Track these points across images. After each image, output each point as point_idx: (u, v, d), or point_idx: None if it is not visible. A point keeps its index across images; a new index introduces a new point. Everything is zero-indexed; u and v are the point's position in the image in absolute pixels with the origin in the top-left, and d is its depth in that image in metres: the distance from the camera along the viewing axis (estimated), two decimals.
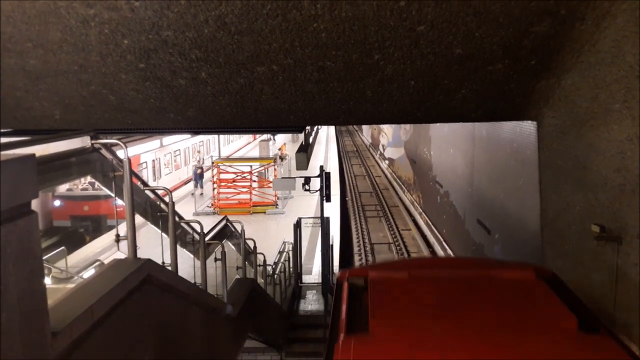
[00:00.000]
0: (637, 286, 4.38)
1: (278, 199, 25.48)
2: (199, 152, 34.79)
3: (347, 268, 5.53)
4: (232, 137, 41.59)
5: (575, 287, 5.44)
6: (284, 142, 38.64)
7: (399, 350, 3.28)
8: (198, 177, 28.27)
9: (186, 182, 30.24)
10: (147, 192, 6.35)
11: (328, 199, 15.44)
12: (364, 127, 59.10)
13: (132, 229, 4.09)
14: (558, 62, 5.00)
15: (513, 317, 3.69)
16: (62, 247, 11.98)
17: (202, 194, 27.60)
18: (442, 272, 4.71)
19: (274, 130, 15.34)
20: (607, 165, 4.68)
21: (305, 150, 13.47)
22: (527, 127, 7.22)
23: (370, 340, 3.36)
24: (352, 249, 22.76)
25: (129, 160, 4.20)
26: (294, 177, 17.28)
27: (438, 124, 15.76)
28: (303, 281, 15.79)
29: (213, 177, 25.84)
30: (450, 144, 14.68)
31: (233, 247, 9.89)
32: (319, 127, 39.40)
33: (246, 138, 47.45)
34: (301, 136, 19.56)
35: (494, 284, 4.33)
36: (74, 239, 19.44)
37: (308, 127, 16.89)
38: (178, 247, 5.76)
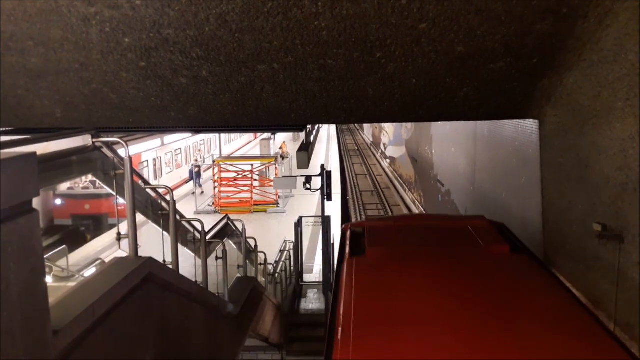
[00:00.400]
0: (639, 285, 4.37)
1: (279, 197, 25.47)
2: (199, 150, 34.77)
3: (349, 222, 8.02)
4: (233, 136, 41.59)
5: (576, 285, 5.44)
6: (284, 141, 38.55)
7: (384, 263, 5.11)
8: (195, 176, 28.21)
9: (187, 181, 30.23)
10: (148, 190, 6.34)
11: (329, 198, 15.42)
12: (365, 125, 59.06)
13: (134, 227, 4.08)
14: (560, 60, 4.99)
15: (465, 244, 5.61)
16: (64, 246, 11.98)
17: (202, 192, 27.56)
18: (420, 221, 7.04)
19: (275, 129, 15.33)
20: (609, 164, 4.66)
21: (306, 149, 13.44)
22: (529, 126, 7.20)
23: (366, 259, 5.25)
24: None
25: (130, 158, 4.19)
26: (295, 176, 17.26)
27: (440, 122, 15.73)
28: (304, 280, 15.78)
29: (214, 175, 25.82)
30: (451, 142, 14.65)
31: (234, 245, 9.89)
32: (320, 125, 39.37)
33: (247, 137, 47.43)
34: (302, 135, 19.55)
35: (457, 228, 6.23)
36: (75, 238, 19.44)
37: (309, 126, 16.89)
38: (179, 245, 5.76)
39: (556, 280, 4.66)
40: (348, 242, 5.83)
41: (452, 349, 3.42)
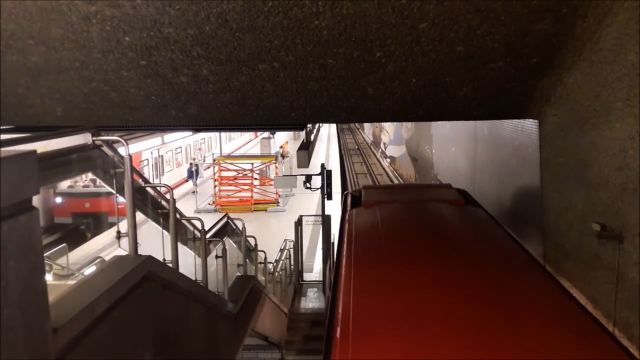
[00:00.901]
0: (638, 285, 4.37)
1: (279, 196, 25.48)
2: (199, 149, 34.77)
3: (348, 190, 9.86)
4: (233, 134, 41.60)
5: (576, 284, 5.45)
6: (286, 141, 38.54)
7: (376, 210, 6.57)
8: (193, 175, 28.17)
9: (186, 180, 30.24)
10: (148, 189, 6.35)
11: (329, 197, 15.43)
12: (366, 125, 59.02)
13: (133, 226, 4.09)
14: (560, 60, 4.99)
15: (434, 199, 7.34)
16: (64, 244, 11.99)
17: (194, 192, 27.46)
18: (404, 185, 12.50)
19: (276, 128, 15.33)
20: (608, 164, 4.67)
21: (306, 148, 13.43)
22: (529, 126, 7.21)
23: (362, 209, 6.83)
24: None
25: (130, 157, 4.20)
26: (295, 175, 17.25)
27: (439, 122, 15.74)
28: (304, 279, 15.79)
29: (214, 174, 25.83)
30: (451, 142, 14.65)
31: (234, 244, 9.90)
32: (321, 125, 39.36)
33: (247, 136, 47.43)
34: (302, 134, 19.55)
35: (430, 190, 9.33)
36: (75, 236, 19.45)
37: (309, 125, 16.88)
38: (179, 244, 5.77)
39: (498, 225, 6.04)
40: (349, 201, 7.47)
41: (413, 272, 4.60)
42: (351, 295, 4.12)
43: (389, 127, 36.61)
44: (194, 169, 28.54)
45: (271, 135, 31.93)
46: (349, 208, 7.07)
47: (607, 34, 4.42)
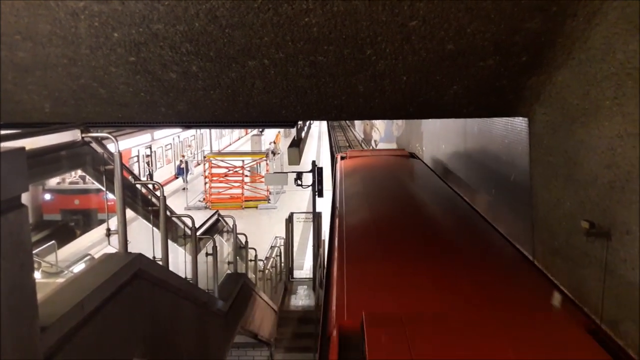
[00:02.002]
0: (626, 282, 4.41)
1: (270, 193, 25.46)
2: (189, 146, 34.65)
3: (338, 153, 16.00)
4: (224, 131, 41.49)
5: (564, 281, 5.49)
6: (278, 131, 38.38)
7: (355, 161, 12.45)
8: (181, 172, 28.06)
9: (177, 177, 30.12)
10: (138, 186, 6.32)
11: (320, 194, 15.43)
12: (356, 122, 59.05)
13: (123, 223, 4.08)
14: (549, 58, 5.02)
15: (391, 155, 13.53)
16: (53, 241, 11.93)
17: (184, 189, 27.36)
18: (375, 150, 24.99)
19: (266, 125, 15.30)
20: (597, 162, 4.70)
21: (297, 145, 13.44)
22: (519, 124, 7.25)
23: (346, 160, 13.27)
24: None
25: (120, 153, 4.18)
26: (286, 172, 17.24)
27: (430, 119, 15.79)
28: (294, 276, 15.80)
29: (205, 171, 25.76)
30: (441, 139, 14.70)
31: (224, 242, 9.88)
32: (311, 122, 39.30)
33: (238, 133, 47.32)
34: (293, 131, 19.51)
35: (391, 151, 16.26)
36: (64, 233, 19.33)
37: (300, 122, 16.89)
38: (169, 241, 5.75)
39: (425, 165, 10.31)
40: (339, 158, 13.40)
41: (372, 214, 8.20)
42: (344, 200, 8.71)
43: (379, 124, 36.63)
44: (183, 165, 28.41)
45: (260, 132, 31.91)
46: (339, 160, 13.34)
47: (596, 33, 4.45)
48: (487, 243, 6.36)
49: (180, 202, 23.68)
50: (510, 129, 7.87)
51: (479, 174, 10.36)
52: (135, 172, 23.05)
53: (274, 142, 35.22)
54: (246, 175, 25.83)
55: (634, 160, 4.18)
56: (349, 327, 4.00)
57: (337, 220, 7.65)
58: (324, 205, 17.36)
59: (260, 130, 32.18)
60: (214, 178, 25.21)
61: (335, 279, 5.16)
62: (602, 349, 3.67)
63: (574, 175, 5.14)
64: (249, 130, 41.74)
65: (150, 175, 26.83)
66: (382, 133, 35.49)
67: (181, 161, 28.91)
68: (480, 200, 9.42)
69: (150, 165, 26.93)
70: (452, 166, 13.20)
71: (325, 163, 34.08)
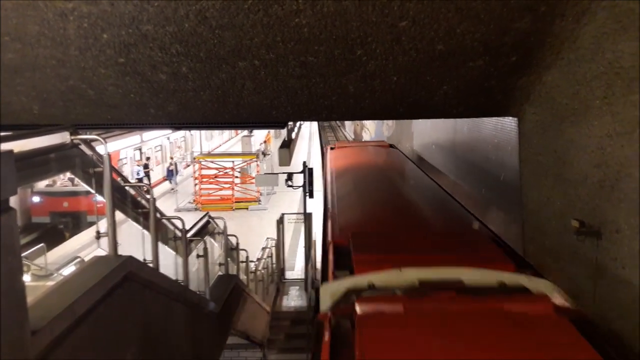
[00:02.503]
0: (616, 280, 4.44)
1: (261, 195, 25.41)
2: (179, 147, 34.51)
3: (327, 145, 18.53)
4: (214, 132, 41.36)
5: (556, 280, 5.52)
6: (268, 131, 38.27)
7: (341, 151, 15.05)
8: (170, 174, 27.89)
9: (166, 179, 29.98)
10: (128, 188, 6.29)
11: (311, 195, 15.42)
12: (347, 122, 59.11)
13: (113, 225, 4.05)
14: (539, 58, 5.04)
15: (374, 146, 16.59)
16: (42, 244, 11.84)
17: (173, 189, 27.18)
18: (359, 141, 31.29)
19: (257, 126, 15.27)
20: (587, 161, 4.73)
21: (288, 146, 13.42)
22: (508, 123, 7.28)
23: (335, 150, 15.69)
24: None
25: (109, 156, 4.15)
26: (277, 173, 17.22)
27: (420, 119, 15.83)
28: (286, 277, 15.78)
29: (194, 172, 25.67)
30: (432, 139, 14.76)
31: (215, 243, 9.85)
32: (302, 122, 39.27)
33: (228, 134, 47.22)
34: (283, 132, 19.52)
35: (373, 142, 20.71)
36: (53, 236, 19.18)
37: (290, 123, 16.93)
38: (159, 244, 5.72)
39: (402, 154, 14.14)
40: (327, 147, 15.82)
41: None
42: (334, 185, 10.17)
43: (370, 124, 36.68)
44: (172, 167, 28.26)
45: (249, 133, 31.81)
46: (328, 150, 15.51)
47: (585, 33, 4.47)
48: (448, 208, 8.55)
49: (170, 203, 23.59)
50: (500, 128, 7.91)
51: (464, 170, 10.43)
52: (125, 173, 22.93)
53: (265, 142, 35.14)
54: (236, 177, 25.78)
55: (623, 159, 4.22)
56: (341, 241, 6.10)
57: (329, 190, 10.16)
58: (315, 206, 17.35)
59: (249, 131, 32.09)
60: (204, 179, 25.14)
61: (330, 211, 8.14)
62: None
63: (564, 175, 5.17)
64: (239, 131, 41.66)
65: (148, 176, 26.73)
66: (372, 133, 35.55)
67: (170, 163, 28.72)
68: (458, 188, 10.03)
69: (147, 168, 26.87)
70: (440, 163, 13.27)
71: (316, 164, 34.08)
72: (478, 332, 3.64)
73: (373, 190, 9.55)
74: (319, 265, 16.01)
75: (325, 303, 4.40)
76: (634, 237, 4.16)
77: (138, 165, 26.72)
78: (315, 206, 17.35)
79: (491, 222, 8.18)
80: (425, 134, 15.56)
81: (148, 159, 28.34)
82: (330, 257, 5.75)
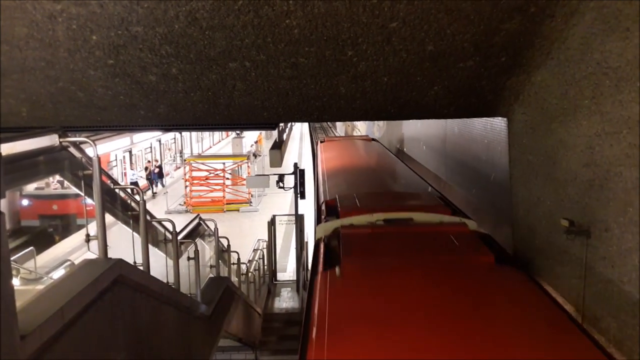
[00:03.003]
0: (605, 279, 4.47)
1: (252, 196, 25.36)
2: (169, 149, 34.35)
3: (318, 140, 20.14)
4: (204, 134, 41.22)
5: (545, 279, 5.54)
6: (260, 132, 38.15)
7: (331, 145, 17.91)
8: (157, 177, 27.41)
9: (149, 187, 29.55)
10: (118, 190, 6.24)
11: (302, 196, 15.39)
12: (338, 123, 59.18)
13: (103, 228, 4.01)
14: (528, 59, 5.07)
15: (358, 139, 20.21)
16: (31, 247, 11.75)
17: (155, 192, 26.73)
18: (346, 136, 36.06)
19: (247, 127, 15.24)
20: (576, 161, 4.76)
21: (279, 147, 13.38)
22: (498, 124, 7.32)
23: (325, 143, 18.39)
24: None
25: (99, 158, 4.11)
26: (268, 175, 17.18)
27: (411, 120, 15.88)
28: (278, 279, 15.74)
29: (185, 174, 25.57)
30: (422, 139, 14.80)
31: (206, 245, 9.81)
32: (293, 123, 39.23)
33: (219, 135, 47.10)
34: (274, 133, 19.55)
35: (357, 136, 28.71)
36: (43, 239, 19.04)
37: (282, 124, 16.93)
38: (150, 246, 5.68)
39: (384, 147, 16.24)
40: (318, 142, 18.80)
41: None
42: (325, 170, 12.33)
43: (361, 125, 36.75)
44: (156, 171, 27.46)
45: (236, 134, 31.58)
46: (318, 144, 17.95)
47: (574, 33, 4.50)
48: (410, 180, 11.09)
49: (160, 206, 23.49)
50: (489, 128, 7.95)
51: (452, 168, 10.48)
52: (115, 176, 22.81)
53: (257, 143, 35.02)
54: (227, 178, 25.69)
55: (612, 158, 4.24)
56: (331, 201, 8.03)
57: (319, 168, 13.01)
58: (307, 207, 17.34)
59: (237, 133, 31.93)
60: (195, 181, 25.04)
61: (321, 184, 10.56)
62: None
63: (554, 174, 5.19)
64: (230, 133, 41.56)
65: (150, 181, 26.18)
66: (363, 133, 35.63)
67: (148, 167, 27.52)
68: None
69: (148, 170, 26.55)
70: (430, 160, 13.34)
71: (307, 165, 34.06)
72: (417, 240, 5.72)
73: (354, 167, 12.78)
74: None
75: (320, 233, 6.46)
76: (622, 236, 4.19)
77: (132, 169, 26.46)
78: (307, 207, 17.35)
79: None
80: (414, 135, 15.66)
81: (149, 162, 27.96)
82: (323, 208, 7.97)
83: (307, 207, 17.49)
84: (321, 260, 5.48)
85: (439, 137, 12.56)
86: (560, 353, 3.29)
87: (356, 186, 9.68)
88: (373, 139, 19.38)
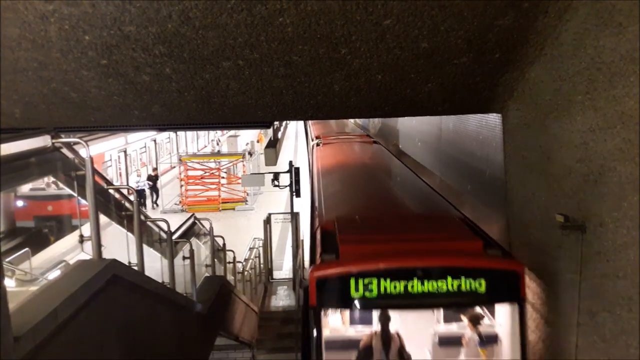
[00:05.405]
0: (600, 274, 4.48)
1: (247, 195, 25.33)
2: (170, 153, 34.26)
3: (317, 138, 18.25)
4: (200, 133, 41.12)
5: (541, 274, 5.55)
6: (260, 131, 38.05)
7: (327, 140, 16.58)
8: (151, 188, 24.72)
9: (140, 203, 29.08)
10: (112, 191, 6.23)
11: (298, 195, 15.38)
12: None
13: (96, 229, 4.00)
14: (522, 55, 5.07)
15: (354, 136, 18.72)
16: (26, 248, 11.71)
17: (156, 202, 25.64)
18: (347, 134, 20.64)
19: (242, 126, 15.22)
20: (570, 156, 4.77)
21: (274, 146, 13.39)
22: (493, 120, 7.32)
23: (322, 142, 16.14)
24: None
25: (91, 159, 4.09)
26: (263, 173, 17.16)
27: (406, 117, 15.88)
28: (274, 277, 15.74)
29: (180, 174, 25.52)
30: (417, 136, 14.81)
31: (202, 245, 9.80)
32: (288, 122, 39.20)
33: (213, 134, 46.99)
34: (269, 132, 19.51)
35: (352, 133, 20.62)
36: (38, 240, 18.97)
37: (276, 123, 16.87)
38: (145, 246, 5.67)
39: (379, 144, 16.06)
40: (314, 145, 16.27)
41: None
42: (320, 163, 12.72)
43: (355, 122, 36.73)
44: (147, 187, 24.41)
45: (224, 133, 31.35)
46: (314, 147, 16.13)
47: (568, 29, 4.50)
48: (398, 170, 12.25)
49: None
50: (484, 125, 7.96)
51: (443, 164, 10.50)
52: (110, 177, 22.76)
53: (258, 141, 34.94)
54: (222, 177, 25.66)
55: (606, 153, 4.25)
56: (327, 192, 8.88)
57: (314, 159, 13.83)
58: (302, 205, 17.34)
59: (224, 132, 31.77)
60: (190, 180, 24.99)
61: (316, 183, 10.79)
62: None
63: (548, 170, 5.20)
64: (224, 132, 41.48)
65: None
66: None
67: (156, 174, 26.13)
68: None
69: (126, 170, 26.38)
70: (423, 158, 13.36)
71: (302, 163, 34.03)
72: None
73: (357, 183, 11.89)
74: (307, 264, 15.97)
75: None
76: (617, 231, 4.20)
77: (138, 176, 25.43)
78: (302, 205, 17.34)
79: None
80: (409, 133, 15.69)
81: (155, 169, 25.95)
82: (318, 237, 7.66)
83: (303, 205, 17.48)
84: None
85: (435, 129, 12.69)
86: None
87: (360, 210, 7.70)
88: (375, 141, 17.51)
